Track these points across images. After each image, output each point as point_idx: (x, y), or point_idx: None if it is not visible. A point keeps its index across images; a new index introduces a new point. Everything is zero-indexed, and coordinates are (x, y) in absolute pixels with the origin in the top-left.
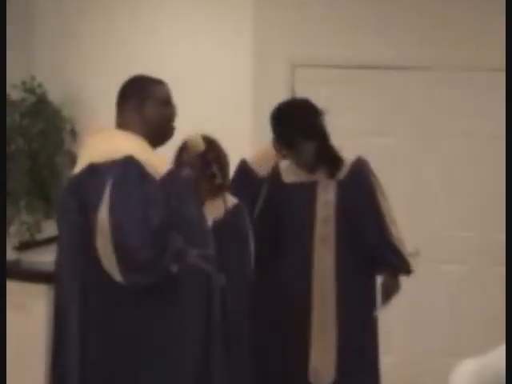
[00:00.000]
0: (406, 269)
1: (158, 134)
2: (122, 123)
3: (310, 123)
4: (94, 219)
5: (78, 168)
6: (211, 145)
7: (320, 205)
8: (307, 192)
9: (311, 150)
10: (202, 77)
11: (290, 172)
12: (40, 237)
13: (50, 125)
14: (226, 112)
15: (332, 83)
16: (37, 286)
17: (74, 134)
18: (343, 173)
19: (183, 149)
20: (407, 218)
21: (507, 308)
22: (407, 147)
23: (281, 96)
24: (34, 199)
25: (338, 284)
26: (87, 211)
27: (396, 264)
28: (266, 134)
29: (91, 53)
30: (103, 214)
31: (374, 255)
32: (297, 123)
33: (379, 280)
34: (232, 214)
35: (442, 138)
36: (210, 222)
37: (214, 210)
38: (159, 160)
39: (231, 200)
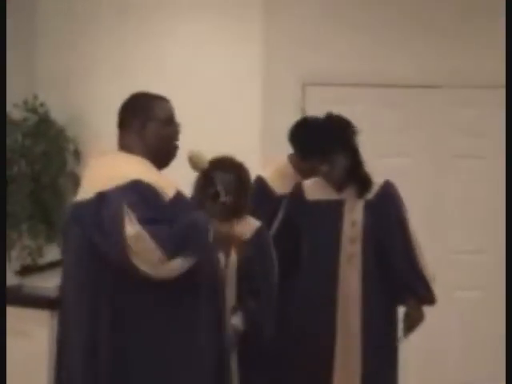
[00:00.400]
0: (431, 299)
1: (161, 154)
2: (124, 145)
3: (346, 135)
4: (118, 241)
5: (83, 194)
6: (236, 168)
7: (347, 224)
8: (333, 210)
9: (343, 163)
10: (210, 95)
11: (314, 189)
12: (42, 261)
13: (52, 145)
14: (234, 132)
15: (344, 102)
16: (39, 312)
17: (77, 154)
18: (371, 194)
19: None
20: (421, 240)
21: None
22: (422, 168)
23: (291, 116)
24: (36, 223)
25: (363, 307)
26: (99, 237)
27: (422, 293)
28: (274, 154)
29: (96, 70)
30: (134, 229)
31: (399, 282)
32: (334, 133)
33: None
34: (257, 237)
35: (458, 158)
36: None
37: (241, 233)
38: (165, 181)
39: (253, 222)
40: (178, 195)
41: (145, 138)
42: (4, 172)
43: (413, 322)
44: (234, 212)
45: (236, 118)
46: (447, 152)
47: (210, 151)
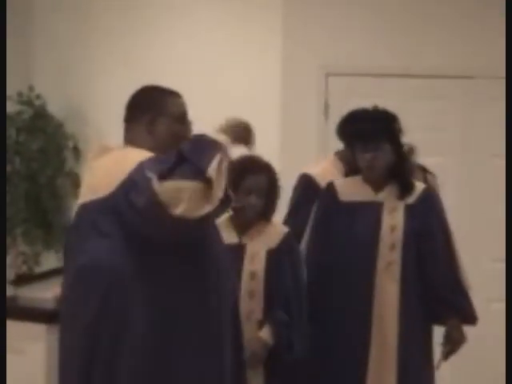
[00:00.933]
0: (474, 317)
1: (170, 148)
2: (131, 140)
3: (392, 128)
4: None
5: (99, 193)
6: (265, 169)
7: (386, 229)
8: (371, 213)
9: (388, 155)
10: (224, 87)
11: (348, 189)
12: (39, 270)
13: (50, 142)
14: (253, 125)
15: (370, 94)
16: (35, 326)
17: (77, 152)
18: (413, 197)
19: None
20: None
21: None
22: (456, 168)
23: (312, 108)
24: (32, 227)
25: (400, 319)
26: (133, 211)
27: (466, 311)
28: (295, 149)
29: (98, 60)
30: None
31: (439, 297)
32: (381, 122)
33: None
34: (285, 244)
35: (496, 158)
36: (263, 251)
37: (267, 240)
38: None
39: (281, 228)
40: None
41: (154, 133)
42: (4, 172)
43: (455, 345)
44: (263, 215)
45: (253, 111)
46: (484, 151)
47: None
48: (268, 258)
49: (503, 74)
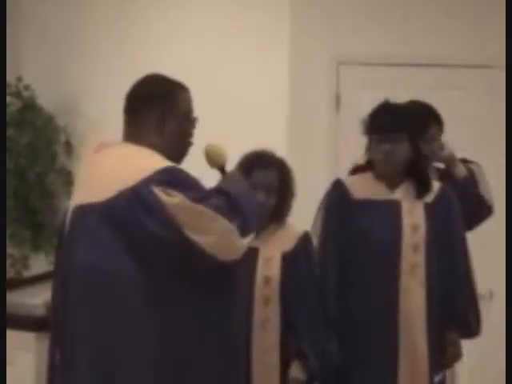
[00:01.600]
0: (477, 331)
1: (175, 152)
2: (134, 137)
3: (417, 122)
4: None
5: (96, 195)
6: (278, 164)
7: (407, 229)
8: (389, 212)
9: (406, 149)
10: (228, 77)
11: (360, 186)
12: (27, 274)
13: (39, 136)
14: (257, 119)
15: (383, 84)
16: (23, 335)
17: (69, 147)
18: (430, 196)
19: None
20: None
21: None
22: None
23: (323, 101)
24: (20, 228)
25: (429, 327)
26: (142, 231)
27: (471, 324)
28: (304, 144)
29: (92, 48)
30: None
31: (449, 308)
32: (407, 114)
33: None
34: (301, 249)
35: None
36: (277, 255)
37: (281, 242)
38: None
39: (296, 230)
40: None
41: (163, 133)
42: (4, 172)
43: (452, 360)
44: (275, 216)
45: (259, 102)
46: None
47: (229, 143)
48: (283, 262)
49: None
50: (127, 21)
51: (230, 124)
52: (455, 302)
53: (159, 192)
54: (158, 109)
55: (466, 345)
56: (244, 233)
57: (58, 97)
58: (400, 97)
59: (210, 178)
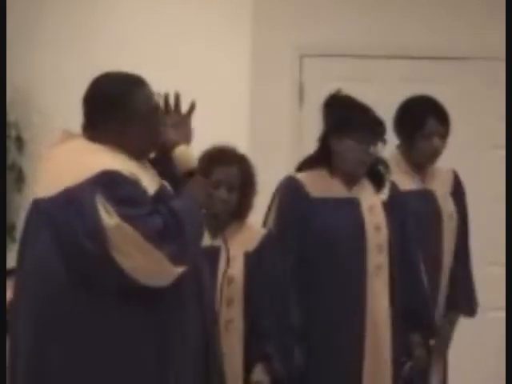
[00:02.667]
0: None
1: (145, 146)
2: (93, 136)
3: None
4: (98, 239)
5: (46, 190)
6: (239, 160)
7: (370, 229)
8: (350, 211)
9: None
10: (187, 69)
11: (316, 184)
12: None
13: None
14: (217, 114)
15: (350, 77)
16: None
17: (20, 142)
18: (384, 193)
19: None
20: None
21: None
22: (448, 159)
23: (286, 94)
24: None
25: (393, 330)
26: (72, 237)
27: (431, 325)
28: (266, 139)
29: (43, 35)
30: (113, 220)
31: (408, 309)
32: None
33: None
34: (265, 248)
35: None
36: (240, 254)
37: (243, 241)
38: (146, 174)
39: (259, 228)
40: (162, 191)
41: (126, 140)
42: (4, 172)
43: (420, 361)
44: (237, 214)
45: (219, 97)
46: (482, 141)
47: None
48: (246, 261)
49: (502, 55)
50: (80, 11)
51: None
52: (415, 302)
53: (100, 207)
54: (116, 119)
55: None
56: (177, 261)
57: (7, 88)
58: (367, 89)
59: None
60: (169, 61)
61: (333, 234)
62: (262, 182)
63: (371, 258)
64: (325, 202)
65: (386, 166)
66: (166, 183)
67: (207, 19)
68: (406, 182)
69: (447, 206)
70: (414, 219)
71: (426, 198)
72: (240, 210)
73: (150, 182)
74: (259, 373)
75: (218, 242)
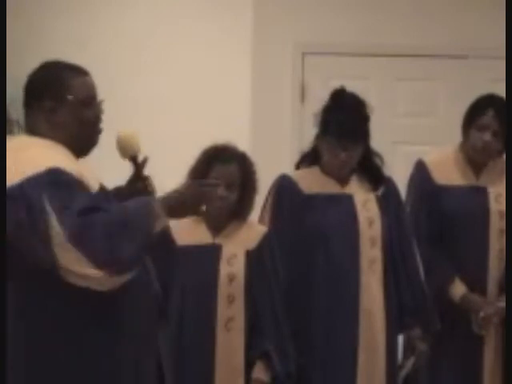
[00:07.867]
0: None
1: (79, 141)
2: (32, 130)
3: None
4: (43, 243)
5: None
6: (239, 158)
7: (364, 223)
8: (343, 207)
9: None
10: (188, 68)
11: (309, 181)
12: None
13: None
14: (218, 111)
15: (351, 75)
16: None
17: None
18: (380, 188)
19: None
20: None
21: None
22: None
23: (287, 91)
24: None
25: (387, 322)
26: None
27: (430, 318)
28: (267, 138)
29: (49, 34)
30: (56, 229)
31: (407, 304)
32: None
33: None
34: (265, 247)
35: None
36: (241, 252)
37: (244, 240)
38: (87, 172)
39: (259, 227)
40: (102, 191)
41: (55, 123)
42: (4, 171)
43: (422, 356)
44: (237, 212)
45: (221, 95)
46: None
47: (188, 135)
48: (247, 259)
49: (502, 53)
50: (81, 14)
51: (190, 116)
52: (411, 297)
53: (50, 209)
54: (48, 99)
55: None
56: (102, 265)
57: (7, 89)
58: (368, 87)
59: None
60: (170, 59)
61: (326, 228)
62: (263, 180)
63: (364, 252)
64: (318, 198)
65: (382, 161)
66: (104, 184)
67: (208, 17)
68: (455, 177)
69: (498, 205)
70: (458, 215)
71: (475, 194)
72: (241, 209)
73: (92, 179)
74: (259, 371)
75: (219, 240)
